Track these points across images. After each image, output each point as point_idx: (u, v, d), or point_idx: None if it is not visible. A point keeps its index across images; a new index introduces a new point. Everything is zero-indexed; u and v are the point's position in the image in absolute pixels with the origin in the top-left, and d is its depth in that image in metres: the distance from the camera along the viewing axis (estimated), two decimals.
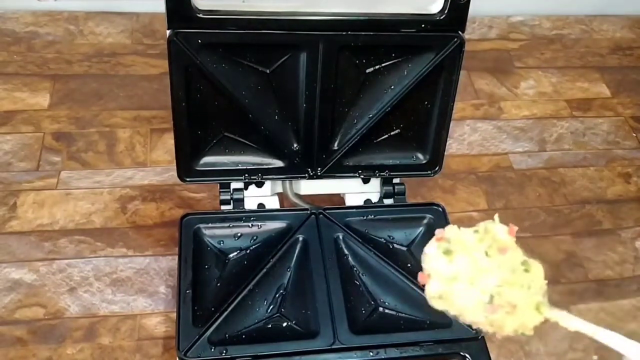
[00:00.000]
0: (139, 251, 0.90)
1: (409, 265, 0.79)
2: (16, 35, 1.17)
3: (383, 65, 0.76)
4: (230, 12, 0.69)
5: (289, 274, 0.78)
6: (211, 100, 0.75)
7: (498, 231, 0.46)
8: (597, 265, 0.96)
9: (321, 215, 0.81)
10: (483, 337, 0.73)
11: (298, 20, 0.70)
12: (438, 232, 0.47)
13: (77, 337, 0.80)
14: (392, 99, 0.77)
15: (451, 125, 0.81)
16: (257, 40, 0.72)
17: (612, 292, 0.93)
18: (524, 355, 0.85)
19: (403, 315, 0.76)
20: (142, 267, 0.88)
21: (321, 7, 0.71)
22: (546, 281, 0.46)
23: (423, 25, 0.72)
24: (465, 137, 1.12)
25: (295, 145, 0.80)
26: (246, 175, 0.81)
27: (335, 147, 0.81)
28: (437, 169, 0.84)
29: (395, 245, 0.82)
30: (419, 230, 0.83)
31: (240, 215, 0.82)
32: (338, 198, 0.91)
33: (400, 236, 0.83)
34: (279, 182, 0.86)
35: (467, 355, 0.71)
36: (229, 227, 0.81)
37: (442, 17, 0.72)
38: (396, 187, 0.86)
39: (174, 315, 0.73)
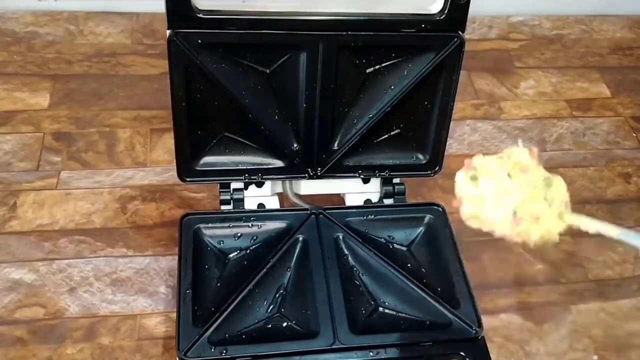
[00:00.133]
0: (139, 251, 0.90)
1: (409, 265, 0.79)
2: (16, 35, 1.17)
3: (383, 65, 0.76)
4: (230, 12, 0.69)
5: (289, 274, 0.78)
6: (211, 100, 0.75)
7: (520, 154, 0.50)
8: (597, 265, 0.96)
9: (321, 215, 0.81)
10: (483, 337, 0.73)
11: (298, 20, 0.70)
12: (466, 162, 0.52)
13: (77, 337, 0.80)
14: (392, 99, 0.77)
15: (451, 125, 0.81)
16: (257, 40, 0.72)
17: (612, 292, 0.93)
18: (524, 355, 0.85)
19: (403, 315, 0.76)
20: (142, 267, 0.88)
21: (321, 7, 0.71)
22: (568, 194, 0.49)
23: (423, 25, 0.72)
24: (465, 137, 1.12)
25: (295, 145, 0.80)
26: (246, 175, 0.81)
27: (335, 147, 0.81)
28: (437, 169, 0.84)
29: (395, 245, 0.83)
30: (419, 230, 0.83)
31: (240, 215, 0.82)
32: (338, 198, 0.91)
33: (400, 236, 0.83)
34: (279, 182, 0.86)
35: (467, 355, 0.71)
36: (229, 227, 0.81)
37: (442, 17, 0.72)
38: (396, 187, 0.86)
39: (174, 315, 0.73)
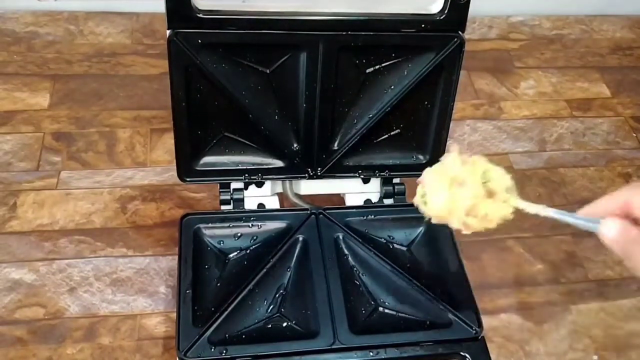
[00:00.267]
0: (139, 251, 0.90)
1: (409, 265, 0.79)
2: (16, 35, 1.17)
3: (383, 65, 0.76)
4: (230, 12, 0.69)
5: (289, 274, 0.78)
6: (211, 100, 0.75)
7: (452, 166, 0.55)
8: (597, 265, 0.96)
9: (321, 215, 0.81)
10: (483, 337, 0.73)
11: (298, 20, 0.70)
12: (418, 180, 0.58)
13: (77, 337, 0.80)
14: (392, 99, 0.77)
15: (451, 125, 0.81)
16: (257, 40, 0.72)
17: (612, 292, 0.93)
18: (524, 355, 0.85)
19: (403, 315, 0.76)
20: (142, 267, 0.88)
21: (321, 7, 0.71)
22: (509, 177, 0.54)
23: (423, 25, 0.72)
24: (465, 137, 1.12)
25: (295, 145, 0.80)
26: (246, 175, 0.81)
27: (335, 147, 0.81)
28: None
29: (395, 245, 0.83)
30: (419, 230, 0.83)
31: (240, 215, 0.82)
32: (338, 198, 0.91)
33: (400, 236, 0.83)
34: (279, 182, 0.86)
35: (467, 355, 0.71)
36: (229, 227, 0.81)
37: (442, 17, 0.72)
38: (396, 187, 0.86)
39: (174, 315, 0.73)
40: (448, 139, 0.82)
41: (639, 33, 1.39)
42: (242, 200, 0.83)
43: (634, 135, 1.17)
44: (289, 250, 0.79)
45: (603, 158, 1.12)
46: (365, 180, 0.86)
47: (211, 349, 0.68)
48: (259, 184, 0.84)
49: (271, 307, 0.76)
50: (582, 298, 0.91)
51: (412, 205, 0.85)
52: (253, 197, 0.84)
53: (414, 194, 0.59)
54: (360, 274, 0.79)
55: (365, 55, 0.75)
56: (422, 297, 0.75)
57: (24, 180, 0.96)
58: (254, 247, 0.80)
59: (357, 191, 0.87)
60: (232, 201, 0.83)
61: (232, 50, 0.72)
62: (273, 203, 0.86)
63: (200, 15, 0.68)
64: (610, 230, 0.47)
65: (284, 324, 0.75)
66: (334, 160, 0.81)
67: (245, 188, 0.83)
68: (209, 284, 0.76)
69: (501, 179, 0.54)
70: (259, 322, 0.74)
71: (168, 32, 0.69)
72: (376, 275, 0.78)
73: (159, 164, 1.00)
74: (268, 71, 0.75)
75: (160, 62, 1.14)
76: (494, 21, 1.36)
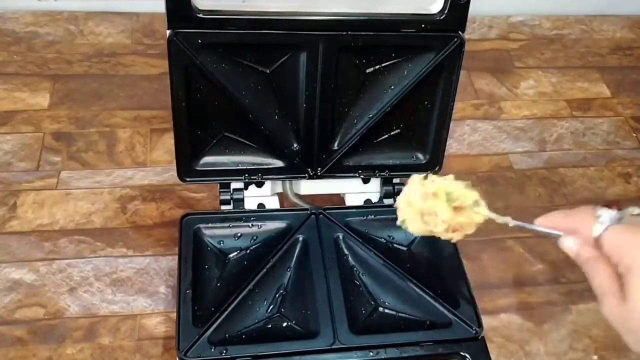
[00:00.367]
0: (139, 251, 0.90)
1: (409, 265, 0.79)
2: (16, 35, 1.17)
3: (383, 65, 0.76)
4: (230, 12, 0.69)
5: (289, 274, 0.78)
6: (211, 100, 0.75)
7: (414, 194, 0.58)
8: None
9: (321, 215, 0.81)
10: (483, 337, 0.73)
11: (298, 20, 0.70)
12: (395, 206, 0.60)
13: (77, 337, 0.80)
14: (392, 99, 0.77)
15: (451, 125, 0.81)
16: (257, 40, 0.72)
17: None
18: (524, 355, 0.85)
19: (403, 315, 0.76)
20: (142, 267, 0.88)
21: (321, 7, 0.71)
22: (474, 192, 0.57)
23: (423, 25, 0.72)
24: (465, 137, 1.12)
25: (295, 145, 0.80)
26: (246, 175, 0.81)
27: (335, 147, 0.81)
28: (437, 169, 0.84)
29: (395, 245, 0.83)
30: None
31: (240, 215, 0.82)
32: (338, 198, 0.91)
33: (400, 236, 0.83)
34: (279, 182, 0.86)
35: (467, 355, 0.71)
36: (229, 227, 0.81)
37: (442, 17, 0.72)
38: (396, 187, 0.86)
39: (174, 315, 0.73)
40: (448, 139, 0.82)
41: (639, 33, 1.39)
42: (242, 200, 0.83)
43: (634, 135, 1.17)
44: (289, 250, 0.79)
45: (603, 158, 1.12)
46: (365, 180, 0.86)
47: (211, 349, 0.68)
48: (259, 184, 0.84)
49: (271, 307, 0.76)
50: (582, 298, 0.91)
51: None
52: (253, 197, 0.84)
53: None
54: (360, 274, 0.79)
55: (365, 55, 0.75)
56: (422, 297, 0.75)
57: (24, 180, 0.96)
58: (254, 247, 0.80)
59: (357, 191, 0.87)
60: (232, 201, 0.83)
61: (232, 50, 0.72)
62: (273, 203, 0.86)
63: (200, 15, 0.68)
64: (570, 248, 0.53)
65: (284, 324, 0.75)
66: (334, 160, 0.81)
67: (245, 188, 0.83)
68: (209, 284, 0.76)
69: (466, 196, 0.57)
70: (259, 322, 0.74)
71: (168, 32, 0.69)
72: (376, 275, 0.78)
73: (159, 164, 1.00)
74: (268, 71, 0.75)
75: (160, 62, 1.14)
76: (494, 21, 1.36)
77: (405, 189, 0.59)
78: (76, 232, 0.91)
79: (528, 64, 1.28)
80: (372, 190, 0.87)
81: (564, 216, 0.53)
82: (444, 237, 0.58)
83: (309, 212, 0.82)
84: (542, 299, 0.91)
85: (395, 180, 0.86)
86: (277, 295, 0.77)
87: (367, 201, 0.87)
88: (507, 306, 0.90)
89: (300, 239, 0.79)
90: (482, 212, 0.57)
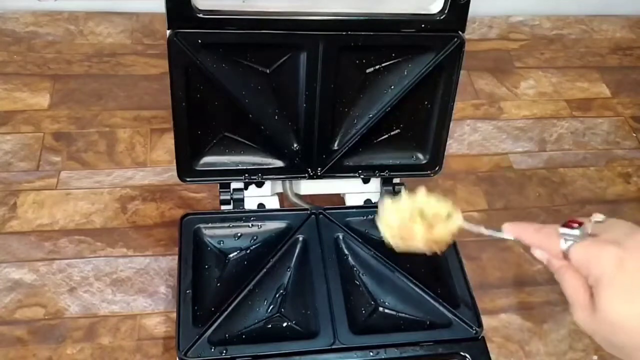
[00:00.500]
0: (139, 251, 0.90)
1: (409, 265, 0.79)
2: (16, 35, 1.17)
3: (383, 65, 0.76)
4: (230, 12, 0.69)
5: (289, 274, 0.78)
6: (211, 100, 0.75)
7: (390, 217, 0.60)
8: None
9: (321, 215, 0.81)
10: (483, 337, 0.73)
11: (298, 20, 0.70)
12: (377, 223, 0.62)
13: (77, 337, 0.80)
14: (392, 99, 0.77)
15: (451, 125, 0.81)
16: (257, 40, 0.72)
17: None
18: (524, 355, 0.85)
19: (403, 315, 0.76)
20: (142, 267, 0.88)
21: (321, 7, 0.71)
22: (448, 203, 0.59)
23: (423, 25, 0.72)
24: (465, 137, 1.12)
25: (295, 145, 0.80)
26: (246, 175, 0.81)
27: (335, 147, 0.81)
28: (437, 169, 0.84)
29: None
30: None
31: (240, 215, 0.82)
32: (338, 198, 0.91)
33: None
34: (279, 182, 0.86)
35: (467, 355, 0.71)
36: (229, 227, 0.81)
37: (442, 17, 0.72)
38: (396, 187, 0.86)
39: (174, 315, 0.73)
40: (448, 139, 0.82)
41: (639, 33, 1.39)
42: (242, 200, 0.83)
43: (634, 135, 1.17)
44: (289, 250, 0.79)
45: (603, 158, 1.12)
46: (365, 180, 0.86)
47: (211, 349, 0.68)
48: (259, 184, 0.84)
49: (271, 307, 0.76)
50: None
51: None
52: (253, 197, 0.84)
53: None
54: (360, 274, 0.79)
55: (365, 55, 0.75)
56: (422, 297, 0.75)
57: (24, 180, 0.96)
58: (254, 247, 0.80)
59: (357, 191, 0.87)
60: (232, 201, 0.83)
61: (232, 50, 0.72)
62: (273, 203, 0.86)
63: (200, 15, 0.68)
64: (541, 258, 0.55)
65: (284, 324, 0.75)
66: (334, 160, 0.81)
67: (245, 188, 0.83)
68: (209, 284, 0.76)
69: (439, 210, 0.58)
70: (259, 322, 0.74)
71: (168, 32, 0.69)
72: (376, 275, 0.78)
73: (159, 164, 1.00)
74: (268, 71, 0.75)
75: (160, 62, 1.14)
76: (494, 21, 1.36)
77: (379, 211, 0.60)
78: (76, 232, 0.91)
79: (528, 64, 1.28)
80: (372, 190, 0.87)
81: (533, 231, 0.55)
82: (426, 252, 0.60)
83: (309, 212, 0.82)
84: (542, 299, 0.91)
85: (395, 180, 0.86)
86: (277, 296, 0.77)
87: (367, 201, 0.87)
88: (507, 306, 0.90)
89: (300, 239, 0.79)
90: (457, 223, 0.58)
